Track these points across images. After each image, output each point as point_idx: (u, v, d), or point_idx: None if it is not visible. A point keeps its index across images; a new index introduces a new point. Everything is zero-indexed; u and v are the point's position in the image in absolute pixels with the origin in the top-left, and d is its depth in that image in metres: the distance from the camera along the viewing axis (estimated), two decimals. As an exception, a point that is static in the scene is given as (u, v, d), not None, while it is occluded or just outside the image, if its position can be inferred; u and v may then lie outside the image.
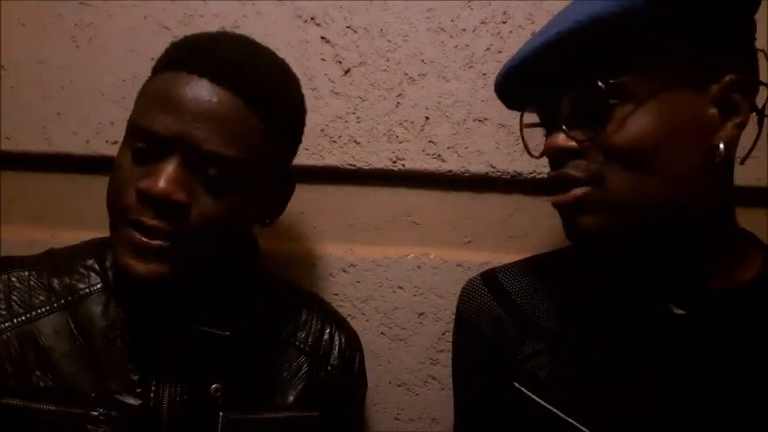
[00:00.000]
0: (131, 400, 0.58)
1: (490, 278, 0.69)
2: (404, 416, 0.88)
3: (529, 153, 0.60)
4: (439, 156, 0.87)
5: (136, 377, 0.59)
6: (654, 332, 0.54)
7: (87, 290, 0.63)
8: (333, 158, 0.88)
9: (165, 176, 0.53)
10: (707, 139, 0.49)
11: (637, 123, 0.49)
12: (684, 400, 0.52)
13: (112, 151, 0.87)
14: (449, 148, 0.87)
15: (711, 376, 0.51)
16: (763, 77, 0.53)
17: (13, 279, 0.63)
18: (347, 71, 0.87)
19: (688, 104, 0.49)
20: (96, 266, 0.64)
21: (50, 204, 0.92)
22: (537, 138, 0.64)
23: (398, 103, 0.87)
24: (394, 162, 0.87)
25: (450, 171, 0.87)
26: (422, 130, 0.87)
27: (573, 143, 0.52)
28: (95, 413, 0.57)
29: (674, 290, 0.54)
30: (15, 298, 0.61)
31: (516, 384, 0.60)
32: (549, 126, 0.57)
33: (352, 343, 0.76)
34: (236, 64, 0.57)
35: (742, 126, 0.49)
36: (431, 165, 0.87)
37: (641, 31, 0.48)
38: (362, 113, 0.87)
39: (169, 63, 0.58)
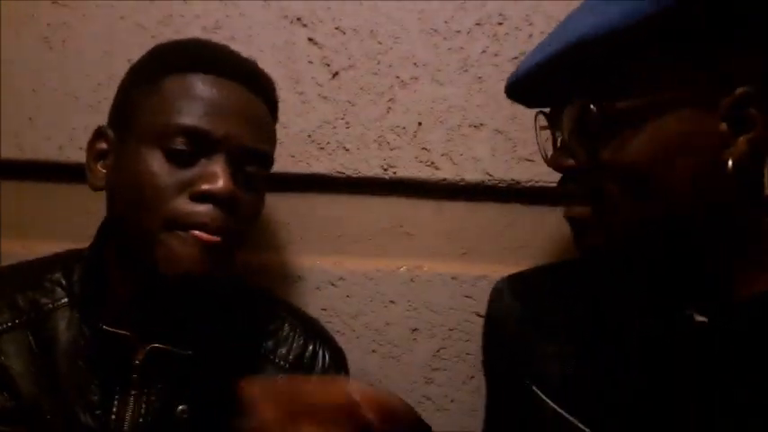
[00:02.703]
0: (90, 422, 0.56)
1: (518, 281, 0.69)
2: (396, 438, 0.84)
3: (544, 159, 0.58)
4: (432, 163, 0.83)
5: (96, 397, 0.57)
6: (676, 341, 0.52)
7: (51, 305, 0.61)
8: (320, 166, 0.84)
9: (224, 177, 0.55)
10: (717, 157, 0.46)
11: (633, 144, 0.47)
12: (704, 412, 0.49)
13: (87, 158, 0.84)
14: (443, 155, 0.83)
15: (733, 388, 0.49)
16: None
17: None
18: (335, 74, 0.83)
19: (692, 122, 0.46)
20: (63, 281, 0.62)
21: (22, 214, 0.87)
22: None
23: (390, 107, 0.83)
24: (385, 170, 0.84)
25: (444, 179, 0.83)
26: (414, 136, 0.83)
27: (571, 162, 0.52)
28: None
29: (695, 300, 0.52)
30: None
31: (532, 386, 0.60)
32: (555, 136, 0.56)
33: (337, 360, 0.72)
34: (252, 68, 0.63)
35: (756, 141, 0.46)
36: (424, 172, 0.83)
37: (635, 49, 0.46)
38: (352, 119, 0.83)
39: (192, 65, 0.58)
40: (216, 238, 0.55)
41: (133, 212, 0.56)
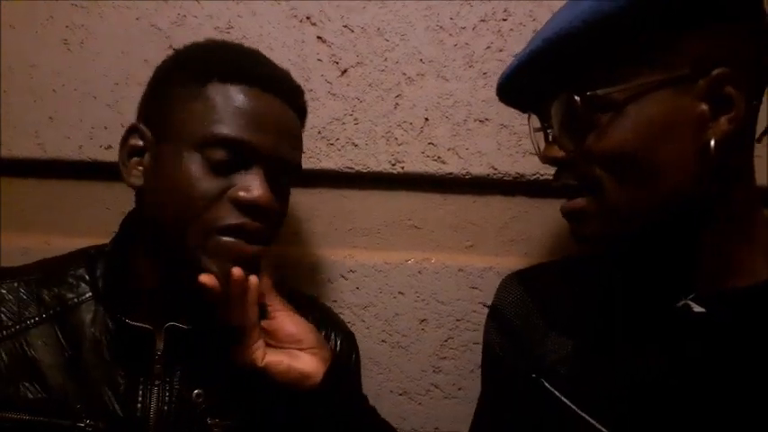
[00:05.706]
0: (119, 411, 0.59)
1: (525, 276, 0.70)
2: (405, 426, 0.86)
3: (539, 157, 0.59)
4: (439, 158, 0.85)
5: (122, 387, 0.59)
6: (676, 331, 0.53)
7: (76, 299, 0.63)
8: (330, 162, 0.85)
9: (263, 187, 0.57)
10: (699, 137, 0.47)
11: (617, 130, 0.49)
12: (703, 400, 0.50)
13: (106, 156, 0.86)
14: (449, 149, 0.85)
15: (732, 377, 0.50)
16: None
17: (3, 291, 0.62)
18: (344, 72, 0.85)
19: (672, 104, 0.47)
20: (86, 276, 0.64)
21: (44, 211, 0.90)
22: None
23: (397, 104, 0.85)
24: (393, 165, 0.85)
25: (450, 173, 0.85)
26: (421, 131, 0.85)
27: (561, 153, 0.53)
28: (82, 424, 0.58)
29: (693, 288, 0.53)
30: (4, 310, 0.61)
31: (540, 380, 0.61)
32: (547, 133, 0.57)
33: (348, 345, 0.75)
34: (288, 80, 0.64)
35: (737, 120, 0.47)
36: (431, 167, 0.85)
37: (610, 38, 0.48)
38: (360, 115, 0.85)
39: (236, 76, 0.58)
40: (255, 248, 0.58)
41: (174, 216, 0.57)
